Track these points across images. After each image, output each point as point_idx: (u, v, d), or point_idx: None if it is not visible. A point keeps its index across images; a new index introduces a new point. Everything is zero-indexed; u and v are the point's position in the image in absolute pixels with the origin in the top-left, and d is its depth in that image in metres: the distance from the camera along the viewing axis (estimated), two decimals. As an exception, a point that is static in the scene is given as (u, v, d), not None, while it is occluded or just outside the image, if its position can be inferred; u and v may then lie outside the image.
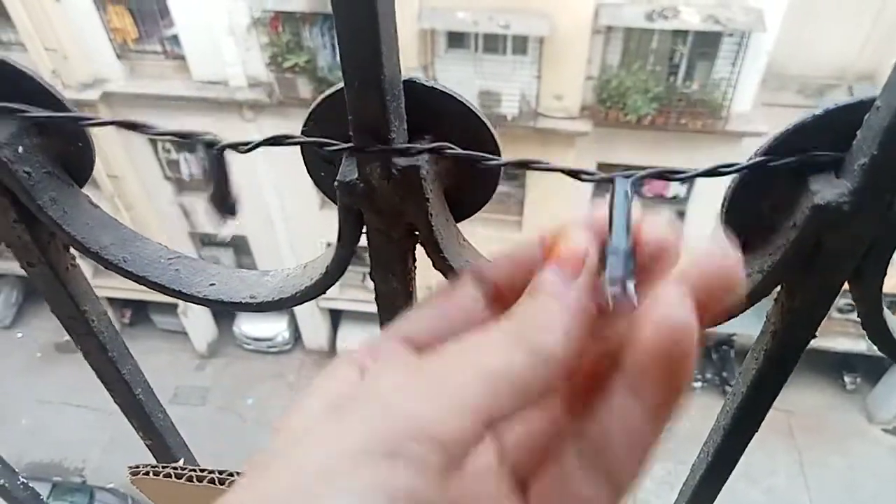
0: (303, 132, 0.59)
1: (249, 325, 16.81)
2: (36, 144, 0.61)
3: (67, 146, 0.63)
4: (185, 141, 0.57)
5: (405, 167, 0.52)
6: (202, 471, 0.76)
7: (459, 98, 0.52)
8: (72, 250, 0.74)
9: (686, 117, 11.09)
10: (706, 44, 10.76)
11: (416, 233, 0.60)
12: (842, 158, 0.46)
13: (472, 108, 0.53)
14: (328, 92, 0.55)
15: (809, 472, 14.66)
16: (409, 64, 11.24)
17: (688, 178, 0.51)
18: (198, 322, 16.60)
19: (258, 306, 0.69)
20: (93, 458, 14.80)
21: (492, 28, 10.54)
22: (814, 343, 0.62)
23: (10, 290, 17.55)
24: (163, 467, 0.79)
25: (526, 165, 0.52)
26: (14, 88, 0.57)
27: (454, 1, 10.39)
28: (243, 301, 0.69)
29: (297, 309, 16.46)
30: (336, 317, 17.00)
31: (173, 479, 0.77)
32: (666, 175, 0.51)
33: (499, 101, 11.65)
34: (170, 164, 13.37)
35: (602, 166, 12.75)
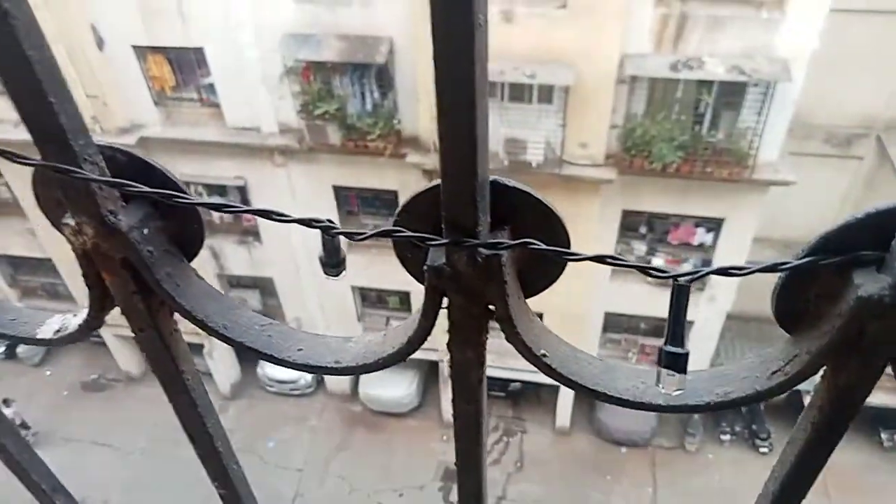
0: (395, 223, 0.66)
1: (273, 368, 16.84)
2: (158, 226, 0.69)
3: (182, 226, 0.71)
4: (305, 225, 0.65)
5: (489, 256, 0.59)
6: None
7: (535, 195, 0.60)
8: (175, 316, 0.81)
9: (712, 165, 11.09)
10: (731, 93, 10.83)
11: (492, 309, 0.66)
12: (883, 257, 0.50)
13: (546, 203, 0.60)
14: (421, 188, 0.63)
15: (846, 532, 14.04)
16: (435, 112, 11.47)
17: (747, 274, 0.57)
18: (222, 363, 16.69)
19: (342, 370, 0.75)
20: (113, 497, 14.76)
21: (518, 77, 10.75)
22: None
23: (42, 328, 17.89)
24: None
25: (602, 260, 0.59)
26: (144, 177, 0.65)
27: (481, 52, 10.64)
28: (328, 366, 0.76)
29: (321, 351, 16.56)
30: (359, 360, 16.96)
31: None
32: (728, 272, 0.59)
33: (524, 148, 11.80)
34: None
35: (627, 213, 12.76)
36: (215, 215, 13.78)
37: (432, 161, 12.00)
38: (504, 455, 16.32)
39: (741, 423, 16.27)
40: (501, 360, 15.51)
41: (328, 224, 0.65)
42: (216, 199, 14.20)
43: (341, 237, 0.68)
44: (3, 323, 0.78)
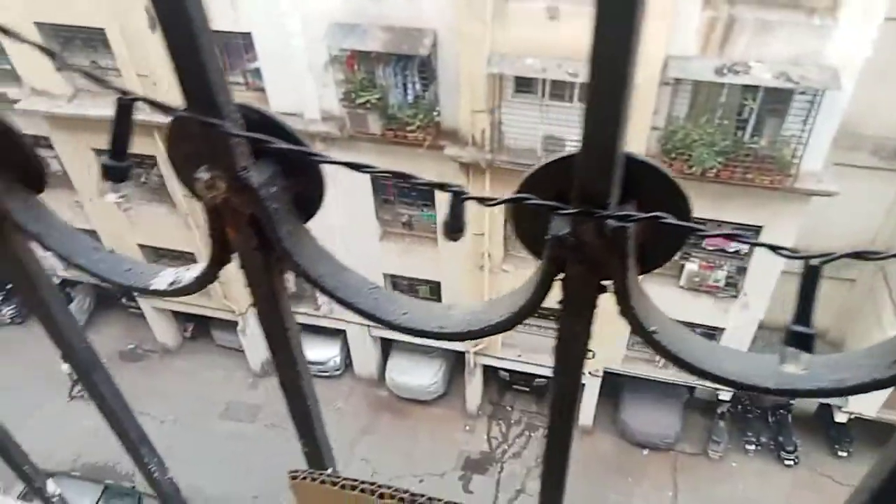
0: (519, 189, 0.67)
1: (304, 348, 17.16)
2: (284, 185, 0.71)
3: (305, 187, 0.73)
4: (435, 188, 0.67)
5: (617, 228, 0.61)
6: (355, 480, 0.81)
7: (664, 171, 0.62)
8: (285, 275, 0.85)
9: (753, 172, 10.94)
10: (777, 100, 10.65)
11: (605, 284, 0.68)
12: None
13: (674, 180, 0.62)
14: (550, 159, 0.66)
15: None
16: (477, 107, 11.55)
17: (879, 258, 0.59)
18: (255, 341, 17.10)
19: (447, 336, 0.75)
20: (145, 465, 15.29)
21: (559, 75, 10.74)
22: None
23: (84, 297, 18.54)
24: (319, 473, 0.84)
25: (732, 238, 0.62)
26: (275, 136, 0.69)
27: (524, 47, 10.66)
28: (433, 330, 0.76)
29: (351, 336, 16.75)
30: (387, 346, 17.22)
31: (329, 485, 0.82)
32: (864, 255, 0.59)
33: (562, 146, 11.79)
34: (242, 188, 14.00)
35: (663, 216, 12.62)
36: (255, 197, 14.11)
37: (469, 154, 12.08)
38: (525, 450, 16.41)
39: (767, 433, 16.06)
40: (528, 355, 15.60)
41: (459, 189, 0.66)
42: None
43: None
44: (119, 273, 0.79)
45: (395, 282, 15.42)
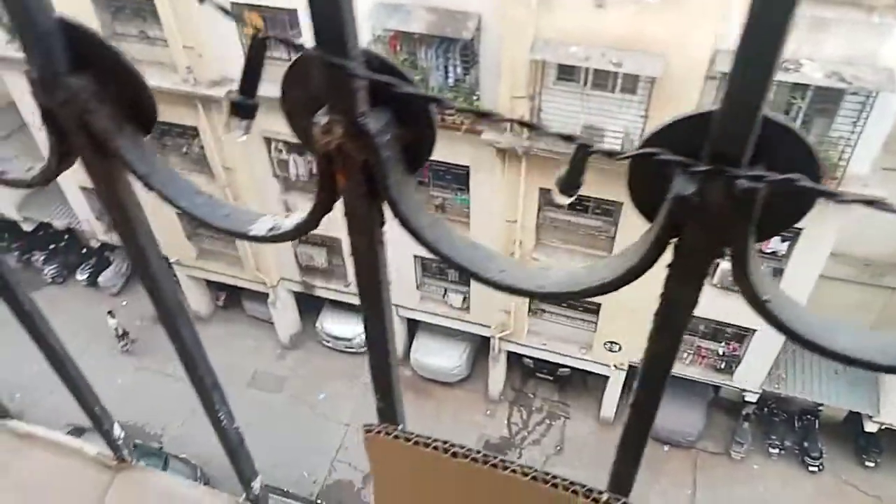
0: (644, 144, 0.65)
1: (331, 324, 17.44)
2: (396, 134, 0.70)
3: (414, 137, 0.71)
4: (565, 139, 0.65)
5: (747, 189, 0.58)
6: (428, 438, 0.81)
7: (800, 133, 0.60)
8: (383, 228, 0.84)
9: (795, 173, 10.68)
10: (827, 100, 10.38)
11: (723, 250, 0.65)
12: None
13: (807, 141, 0.60)
14: (683, 115, 0.63)
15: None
16: (517, 93, 11.48)
17: None
18: (285, 314, 17.39)
19: (544, 295, 0.73)
20: (172, 427, 15.74)
21: (603, 64, 10.60)
22: None
23: (122, 261, 19.02)
24: (394, 429, 0.85)
25: (871, 204, 0.57)
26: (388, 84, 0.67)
27: (568, 34, 10.54)
28: (531, 289, 0.74)
29: (378, 314, 16.98)
30: (413, 327, 17.36)
31: (403, 440, 0.83)
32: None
33: (601, 136, 11.66)
34: (280, 163, 14.16)
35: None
36: (292, 172, 14.27)
37: (507, 140, 12.03)
38: (545, 437, 16.48)
39: (793, 437, 15.86)
40: (553, 343, 15.60)
41: (585, 142, 0.63)
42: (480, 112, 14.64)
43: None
44: (217, 218, 0.79)
45: (426, 264, 15.51)
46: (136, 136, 0.78)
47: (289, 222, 0.78)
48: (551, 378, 17.01)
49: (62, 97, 0.73)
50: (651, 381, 0.86)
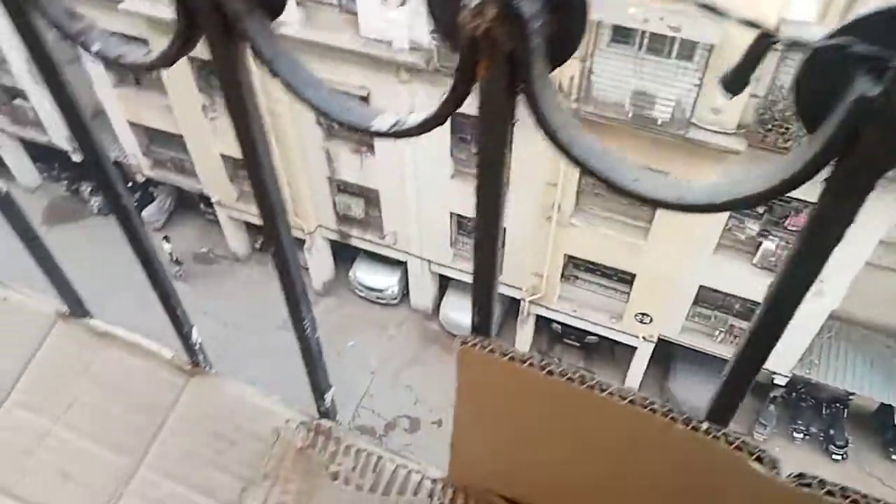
0: (834, 34, 0.59)
1: (364, 274, 17.69)
2: (546, 20, 0.63)
3: (562, 27, 0.64)
4: (749, 25, 0.59)
5: None
6: (524, 354, 0.81)
7: None
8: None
9: (853, 155, 10.27)
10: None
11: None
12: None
13: None
14: (880, 7, 0.56)
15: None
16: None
17: None
18: (320, 261, 17.68)
19: (685, 207, 0.68)
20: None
21: (661, 28, 10.25)
22: None
23: (166, 198, 19.49)
24: (489, 342, 0.84)
25: None
26: None
27: (627, -5, 10.18)
28: (670, 201, 0.68)
29: (411, 268, 17.06)
30: (444, 283, 17.49)
31: (498, 355, 0.82)
32: None
33: (652, 103, 11.35)
34: (324, 110, 14.15)
35: (747, 189, 12.11)
36: (335, 120, 14.27)
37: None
38: (567, 402, 16.62)
39: (818, 424, 15.68)
40: (583, 311, 15.57)
41: (769, 32, 0.58)
42: None
43: None
44: (340, 110, 0.76)
45: (461, 222, 15.51)
46: (264, 20, 0.77)
47: (413, 118, 0.73)
48: (578, 345, 17.04)
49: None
50: (781, 307, 0.81)
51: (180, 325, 1.22)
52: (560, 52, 0.67)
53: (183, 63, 10.99)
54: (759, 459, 0.77)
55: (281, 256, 1.00)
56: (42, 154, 19.88)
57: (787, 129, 10.51)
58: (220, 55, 0.80)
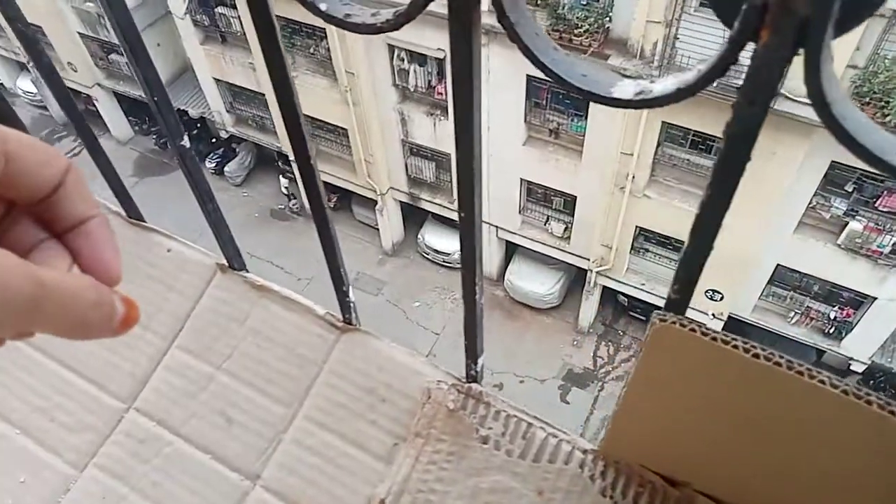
0: None
1: (432, 237, 17.90)
2: None
3: None
4: None
5: None
6: (727, 335, 0.77)
7: None
8: None
9: (961, 133, 9.55)
10: None
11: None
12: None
13: None
14: None
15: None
16: (654, 17, 10.80)
17: None
18: (390, 222, 18.01)
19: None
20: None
21: (755, -8, 9.71)
22: None
23: (246, 154, 20.18)
24: (689, 321, 0.79)
25: None
26: None
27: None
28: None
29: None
30: (510, 250, 17.50)
31: (699, 334, 0.78)
32: None
33: (740, 72, 10.77)
34: (400, 72, 14.26)
35: (836, 166, 11.51)
36: (412, 82, 14.36)
37: (634, 67, 11.45)
38: (630, 375, 16.48)
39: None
40: (651, 284, 15.28)
41: None
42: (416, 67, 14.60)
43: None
44: (575, 77, 0.67)
45: (531, 189, 15.41)
46: None
47: (661, 87, 0.62)
48: (644, 318, 16.78)
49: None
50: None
51: (340, 282, 1.28)
52: (851, 17, 0.57)
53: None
54: None
55: (467, 201, 0.88)
56: (133, 108, 20.90)
57: (886, 102, 9.86)
58: (459, 17, 0.73)
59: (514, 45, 0.66)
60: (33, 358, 1.39)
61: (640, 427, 0.97)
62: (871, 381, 15.15)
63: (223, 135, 19.42)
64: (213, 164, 19.77)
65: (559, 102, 13.48)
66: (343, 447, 1.22)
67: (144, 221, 1.49)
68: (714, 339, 0.77)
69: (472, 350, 1.19)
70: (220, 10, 15.67)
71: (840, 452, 0.79)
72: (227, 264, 1.45)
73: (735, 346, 0.77)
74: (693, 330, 0.78)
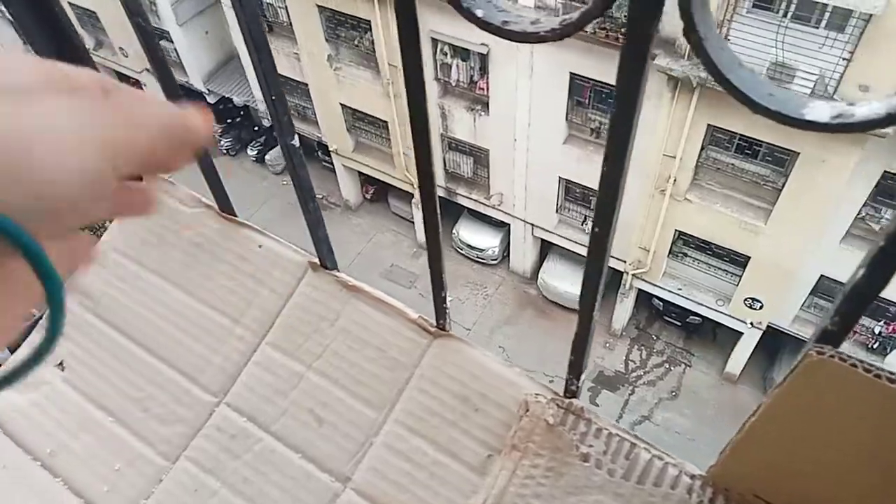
0: None
1: (467, 233, 17.88)
2: None
3: None
4: None
5: None
6: (892, 373, 0.72)
7: None
8: None
9: None
10: None
11: None
12: None
13: None
14: None
15: None
16: (705, 17, 10.56)
17: None
18: (425, 215, 18.04)
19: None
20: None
21: (813, -6, 9.46)
22: None
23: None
24: (849, 356, 0.75)
25: None
26: None
27: (778, -43, 9.44)
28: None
29: (514, 230, 17.07)
30: (545, 249, 17.39)
31: (861, 370, 0.73)
32: None
33: (791, 76, 10.57)
34: (442, 66, 14.24)
35: (890, 175, 11.15)
36: (454, 76, 14.33)
37: (682, 68, 11.24)
38: (661, 380, 16.26)
39: None
40: (688, 290, 15.05)
41: None
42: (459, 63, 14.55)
43: None
44: (764, 98, 0.59)
45: (569, 188, 15.27)
46: None
47: (866, 111, 0.55)
48: (679, 324, 16.54)
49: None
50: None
51: (440, 288, 1.27)
52: None
53: (313, 12, 11.42)
54: None
55: (602, 236, 0.84)
56: (182, 95, 21.28)
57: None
58: (639, 31, 0.67)
59: (698, 58, 0.62)
60: (127, 348, 1.41)
61: (762, 456, 0.94)
62: None
63: (265, 123, 19.65)
64: (255, 152, 20.02)
65: (602, 101, 13.31)
66: (435, 455, 1.20)
67: (236, 215, 1.50)
68: (878, 375, 0.73)
69: (577, 365, 1.18)
70: (268, 0, 15.83)
71: None
72: (318, 262, 1.44)
73: (878, 376, 0.73)
74: (854, 365, 0.75)
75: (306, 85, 16.73)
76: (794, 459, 0.91)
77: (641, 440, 1.11)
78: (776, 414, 0.89)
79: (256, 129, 20.35)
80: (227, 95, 18.95)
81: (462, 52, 13.91)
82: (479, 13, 0.67)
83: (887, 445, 0.79)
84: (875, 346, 13.63)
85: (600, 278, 0.98)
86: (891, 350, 13.40)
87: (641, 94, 0.69)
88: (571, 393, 1.20)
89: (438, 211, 1.09)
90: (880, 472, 0.82)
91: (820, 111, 0.59)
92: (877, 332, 13.46)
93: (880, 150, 10.55)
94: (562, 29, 0.63)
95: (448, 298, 1.30)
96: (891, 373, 0.73)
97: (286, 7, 15.30)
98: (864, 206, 11.80)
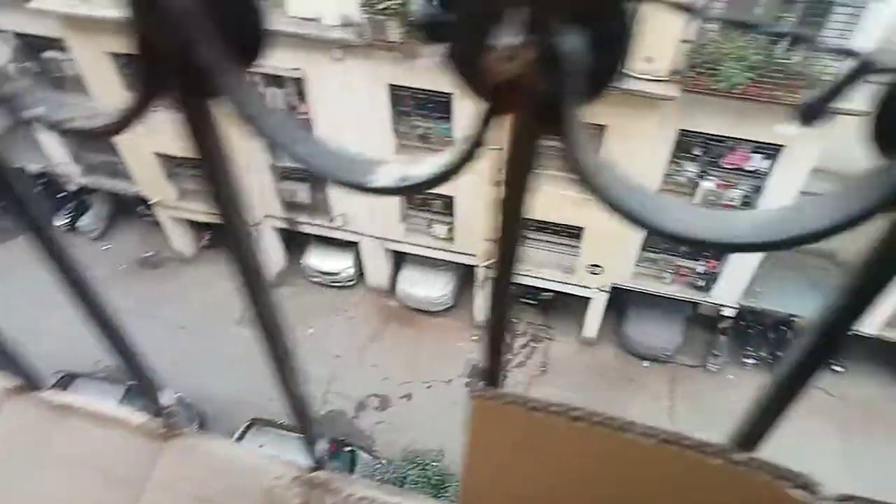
0: None
1: (317, 259, 17.47)
2: (587, 60, 0.52)
3: (601, 63, 0.53)
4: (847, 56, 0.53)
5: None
6: (543, 401, 0.76)
7: None
8: None
9: (781, 90, 10.71)
10: (816, 12, 10.28)
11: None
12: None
13: None
14: None
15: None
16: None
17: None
18: (269, 251, 17.36)
19: (751, 247, 0.57)
20: (162, 367, 15.84)
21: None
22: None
23: (102, 205, 18.60)
24: (502, 394, 0.78)
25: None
26: None
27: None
28: (738, 242, 0.57)
29: (364, 248, 16.93)
30: (399, 259, 17.48)
31: (516, 405, 0.75)
32: None
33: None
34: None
35: (684, 133, 12.53)
36: (268, 99, 13.90)
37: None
38: (529, 359, 17.00)
39: (767, 348, 16.59)
40: (536, 269, 15.85)
41: (869, 59, 0.50)
42: (274, 90, 14.05)
43: None
44: (335, 168, 0.65)
45: (409, 196, 15.46)
46: (240, 72, 0.63)
47: (420, 171, 0.61)
48: (535, 302, 17.39)
49: (163, 21, 0.57)
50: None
51: (150, 387, 1.16)
52: (595, 88, 0.57)
53: (104, 59, 10.50)
54: (804, 486, 0.72)
55: (266, 319, 0.86)
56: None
57: (717, 71, 10.85)
58: (191, 117, 0.68)
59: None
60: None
61: (490, 495, 0.95)
62: (741, 322, 16.68)
63: (72, 187, 17.80)
64: (65, 221, 18.09)
65: (423, 108, 13.63)
66: (181, 568, 1.10)
67: None
68: (533, 408, 0.76)
69: (309, 434, 1.16)
70: (46, 54, 14.36)
71: (675, 499, 0.80)
72: (18, 385, 1.26)
73: (554, 412, 0.76)
74: (511, 402, 0.77)
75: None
76: (515, 492, 0.92)
77: (389, 492, 1.10)
78: (477, 456, 0.91)
79: (63, 195, 18.39)
80: (18, 166, 16.88)
81: (275, 80, 13.56)
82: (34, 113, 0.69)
83: (576, 467, 0.81)
84: (701, 285, 15.26)
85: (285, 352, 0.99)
86: (713, 284, 15.08)
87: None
88: (317, 464, 1.17)
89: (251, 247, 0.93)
90: (588, 491, 0.85)
91: (387, 176, 0.63)
92: (700, 271, 15.07)
93: (672, 111, 11.80)
94: (117, 123, 0.68)
95: (168, 394, 1.21)
96: (544, 403, 0.76)
97: (72, 59, 13.96)
98: (669, 163, 13.16)
